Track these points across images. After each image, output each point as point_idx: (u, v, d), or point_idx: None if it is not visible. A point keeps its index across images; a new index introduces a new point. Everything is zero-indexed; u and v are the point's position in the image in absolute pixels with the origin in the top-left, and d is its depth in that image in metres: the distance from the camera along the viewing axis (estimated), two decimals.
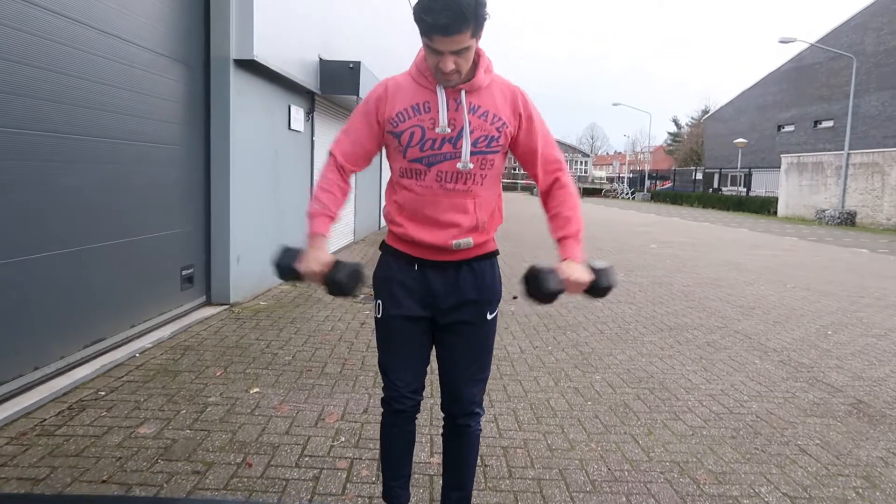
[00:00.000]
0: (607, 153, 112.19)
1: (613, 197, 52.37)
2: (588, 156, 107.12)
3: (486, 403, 3.65)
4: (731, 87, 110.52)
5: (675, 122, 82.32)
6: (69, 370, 3.67)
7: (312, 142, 8.18)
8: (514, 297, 6.94)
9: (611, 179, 68.16)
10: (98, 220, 4.01)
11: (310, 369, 4.10)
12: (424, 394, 2.21)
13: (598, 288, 1.94)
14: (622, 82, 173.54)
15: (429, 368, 2.18)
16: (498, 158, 2.00)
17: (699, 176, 45.72)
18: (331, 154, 2.09)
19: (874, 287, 8.78)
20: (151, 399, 3.45)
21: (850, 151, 23.77)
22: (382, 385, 2.13)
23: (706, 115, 54.27)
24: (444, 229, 1.98)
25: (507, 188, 69.10)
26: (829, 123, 32.90)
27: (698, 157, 56.32)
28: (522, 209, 25.14)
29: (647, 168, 57.94)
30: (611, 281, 1.95)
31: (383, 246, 2.14)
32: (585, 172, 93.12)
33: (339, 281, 1.87)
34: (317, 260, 1.91)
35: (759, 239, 16.41)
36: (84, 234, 3.86)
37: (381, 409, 2.16)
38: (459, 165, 1.92)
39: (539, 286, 1.85)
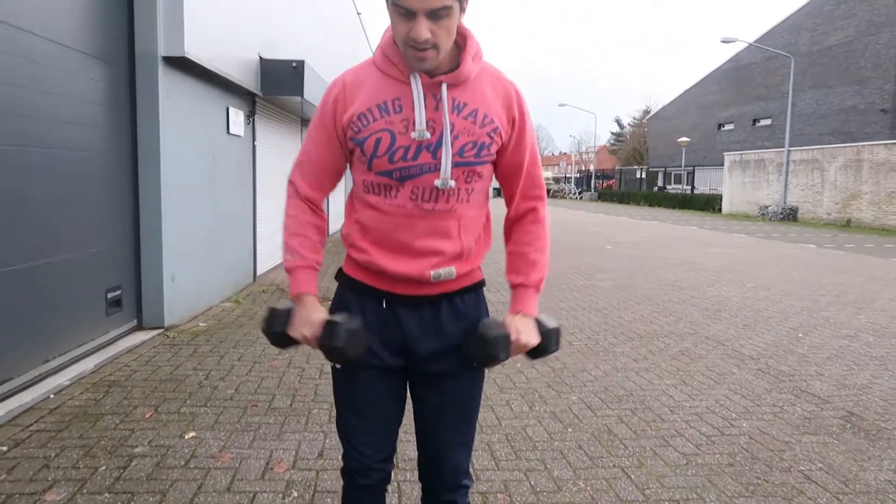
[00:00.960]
0: (553, 154, 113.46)
1: (561, 197, 52.83)
2: None
3: None
4: (671, 87, 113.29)
5: (618, 122, 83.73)
6: None
7: (254, 146, 7.63)
8: None
9: (557, 180, 68.75)
10: (2, 241, 3.44)
11: (255, 404, 3.62)
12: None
13: (540, 351, 1.64)
14: (566, 83, 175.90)
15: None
16: (486, 170, 1.58)
17: (643, 175, 46.44)
18: (290, 183, 1.66)
19: (831, 283, 8.75)
20: (65, 453, 2.92)
21: (791, 148, 24.33)
22: (342, 453, 1.69)
23: (648, 115, 55.28)
24: (420, 258, 1.55)
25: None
26: (767, 122, 33.77)
27: (641, 157, 57.29)
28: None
29: (592, 168, 58.58)
30: (557, 345, 1.66)
31: (340, 276, 1.69)
32: None
33: (336, 348, 1.50)
34: (307, 322, 1.53)
35: (710, 237, 16.50)
36: None
37: (341, 480, 1.72)
38: (438, 182, 1.50)
39: (486, 352, 1.53)
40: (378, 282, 1.61)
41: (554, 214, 26.86)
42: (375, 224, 1.56)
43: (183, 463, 2.87)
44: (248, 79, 6.79)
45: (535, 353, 1.65)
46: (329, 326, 1.51)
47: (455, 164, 1.50)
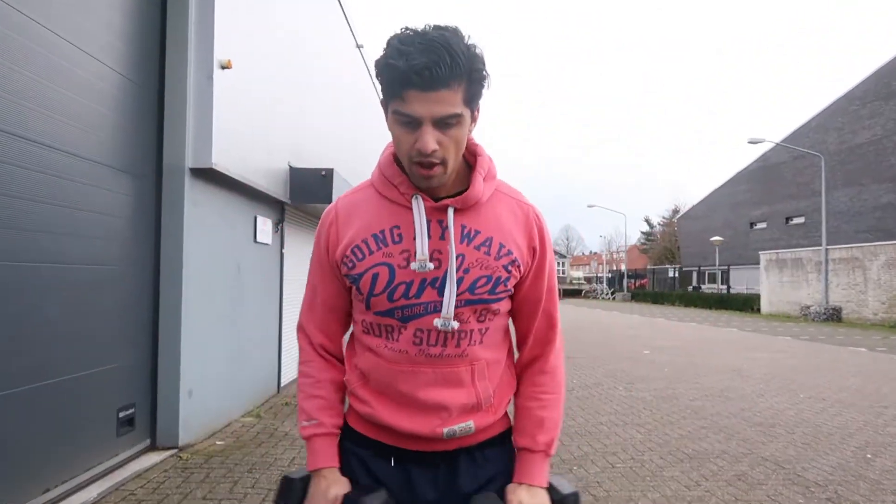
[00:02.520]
0: (583, 253, 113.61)
1: (594, 297, 52.22)
2: (565, 257, 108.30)
3: None
4: (698, 186, 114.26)
5: (648, 221, 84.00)
6: None
7: (282, 254, 7.56)
8: None
9: (589, 280, 68.38)
10: (2, 362, 3.26)
11: None
12: None
13: None
14: (594, 183, 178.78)
15: None
16: (504, 306, 1.35)
17: (676, 274, 45.85)
18: (300, 330, 1.45)
19: (892, 394, 8.12)
20: None
21: (829, 247, 23.81)
22: None
23: (677, 215, 55.29)
24: (428, 413, 1.31)
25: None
26: (801, 220, 33.39)
27: (672, 255, 56.86)
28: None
29: (624, 267, 58.20)
30: None
31: (345, 428, 1.44)
32: (563, 273, 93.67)
33: None
34: (323, 497, 1.31)
35: (752, 340, 15.84)
36: None
37: None
38: (437, 322, 1.26)
39: None
40: (384, 436, 1.36)
41: (588, 315, 26.37)
42: (377, 372, 1.33)
43: None
44: (276, 188, 6.80)
45: None
46: (349, 500, 1.29)
47: (466, 303, 1.27)
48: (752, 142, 24.05)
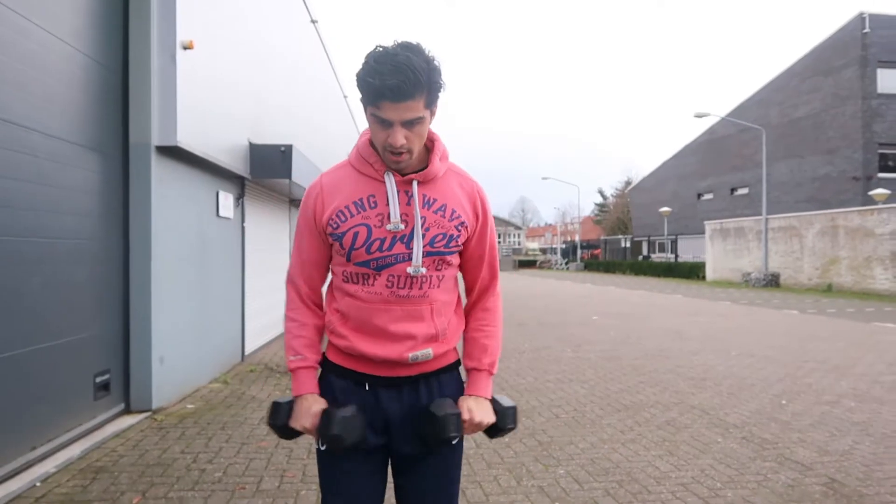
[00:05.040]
0: (538, 225, 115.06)
1: (548, 268, 53.22)
2: (520, 228, 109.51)
3: None
4: (649, 160, 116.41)
5: (601, 193, 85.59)
6: None
7: (243, 227, 7.80)
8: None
9: (544, 251, 69.51)
10: None
11: (243, 486, 3.62)
12: None
13: (498, 429, 1.79)
14: (548, 156, 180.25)
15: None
16: (455, 259, 1.75)
17: (627, 244, 47.14)
18: (290, 283, 1.81)
19: (813, 349, 8.87)
20: None
21: (769, 216, 24.93)
22: None
23: (630, 186, 56.56)
24: (397, 342, 1.68)
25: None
26: (745, 191, 34.68)
27: (625, 226, 58.27)
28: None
29: (577, 238, 59.40)
30: (514, 423, 1.80)
31: (324, 362, 1.80)
32: (519, 245, 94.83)
33: (333, 436, 1.61)
34: (306, 414, 1.67)
35: (695, 305, 16.69)
36: None
37: None
38: (410, 270, 1.65)
39: (435, 433, 1.65)
40: (359, 365, 1.72)
41: (541, 285, 27.07)
42: (355, 311, 1.69)
43: None
44: (237, 163, 7.02)
45: (494, 431, 1.79)
46: (326, 415, 1.63)
47: (427, 254, 1.66)
48: (698, 115, 24.90)
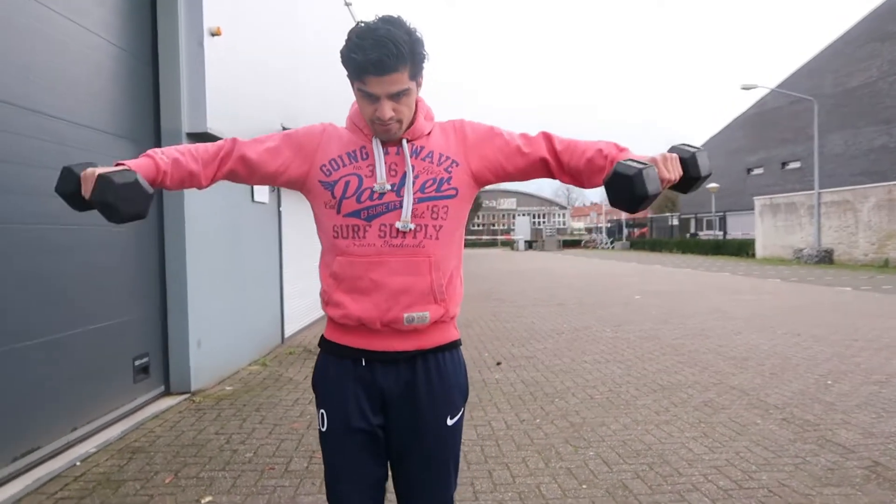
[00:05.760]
0: (584, 204, 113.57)
1: (593, 248, 52.59)
2: (565, 208, 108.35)
3: (469, 496, 3.28)
4: (697, 133, 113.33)
5: None
6: None
7: (279, 212, 7.89)
8: (498, 364, 6.58)
9: (589, 230, 68.67)
10: (28, 315, 3.63)
11: (272, 467, 3.68)
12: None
13: (693, 178, 1.55)
14: (592, 132, 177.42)
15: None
16: (454, 205, 1.68)
17: (675, 222, 46.16)
18: (233, 140, 1.72)
19: (865, 327, 8.54)
20: None
21: (821, 191, 24.05)
22: None
23: None
24: (393, 298, 1.63)
25: (486, 244, 69.20)
26: (797, 164, 33.53)
27: (673, 204, 57.04)
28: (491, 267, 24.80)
29: (623, 217, 58.43)
30: (707, 168, 1.55)
31: (322, 342, 1.79)
32: (564, 224, 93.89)
33: (106, 203, 1.43)
34: (89, 176, 1.49)
35: (742, 283, 16.26)
36: (9, 333, 3.46)
37: None
38: (398, 224, 1.62)
39: (636, 189, 1.41)
40: (355, 340, 1.70)
41: (585, 264, 26.77)
42: (349, 269, 1.65)
43: None
44: None
45: (689, 183, 1.57)
46: (101, 180, 1.44)
47: (419, 200, 1.63)
48: (746, 87, 24.06)
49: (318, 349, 1.81)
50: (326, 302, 1.73)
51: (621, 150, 1.64)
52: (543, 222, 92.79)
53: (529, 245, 54.09)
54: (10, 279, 3.51)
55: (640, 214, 73.77)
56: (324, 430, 1.73)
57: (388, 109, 1.55)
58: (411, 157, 1.65)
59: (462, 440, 4.01)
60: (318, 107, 9.51)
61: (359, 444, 1.70)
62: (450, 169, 1.67)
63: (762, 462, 3.72)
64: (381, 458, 1.75)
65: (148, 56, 5.09)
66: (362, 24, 1.52)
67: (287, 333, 8.17)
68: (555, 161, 1.71)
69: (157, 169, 1.60)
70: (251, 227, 6.81)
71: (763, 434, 4.22)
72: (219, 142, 1.73)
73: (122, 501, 3.23)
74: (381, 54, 1.46)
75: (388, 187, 1.62)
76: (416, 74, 1.56)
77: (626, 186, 1.44)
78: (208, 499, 3.24)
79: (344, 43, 1.52)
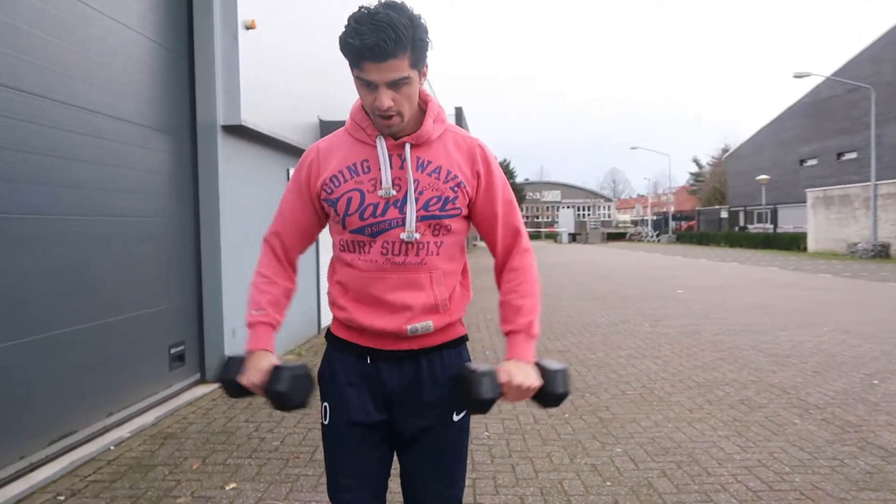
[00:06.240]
0: (630, 196, 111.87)
1: (638, 240, 51.76)
2: (611, 200, 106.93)
3: (490, 490, 3.26)
4: (750, 123, 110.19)
5: (696, 161, 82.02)
6: (30, 472, 3.34)
7: None
8: None
9: (635, 223, 67.57)
10: (67, 303, 3.75)
11: (297, 456, 3.72)
12: None
13: (548, 395, 1.59)
14: (640, 124, 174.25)
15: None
16: (456, 223, 1.65)
17: (725, 215, 45.03)
18: (265, 242, 1.76)
19: None
20: (114, 503, 3.10)
21: (878, 182, 23.11)
22: None
23: (726, 154, 53.86)
24: (395, 312, 1.62)
25: (530, 237, 68.79)
26: (853, 155, 32.28)
27: (722, 196, 55.67)
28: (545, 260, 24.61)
29: (670, 209, 57.29)
30: (565, 387, 1.60)
31: (328, 336, 1.79)
32: (609, 217, 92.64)
33: (278, 392, 1.53)
34: (255, 369, 1.58)
35: (791, 278, 15.77)
36: (48, 321, 3.58)
37: None
38: (403, 236, 1.58)
39: (469, 392, 1.51)
40: (361, 339, 1.69)
41: (628, 258, 26.36)
42: (353, 281, 1.65)
43: None
44: (307, 140, 7.14)
45: (545, 399, 1.61)
46: (275, 372, 1.55)
47: (421, 218, 1.59)
48: (798, 76, 23.23)
49: (326, 342, 1.80)
50: (333, 304, 1.73)
51: (531, 336, 1.66)
52: (588, 214, 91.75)
53: (573, 238, 53.56)
54: (51, 269, 3.62)
55: (687, 206, 72.15)
56: (326, 422, 1.73)
57: (386, 98, 1.49)
58: (417, 170, 1.60)
59: (488, 434, 3.99)
60: (354, 100, 9.55)
61: (360, 439, 1.69)
62: (456, 189, 1.62)
63: (797, 463, 3.59)
64: (383, 454, 1.73)
65: (184, 50, 5.18)
66: (363, 10, 1.47)
67: (323, 324, 8.26)
68: (497, 266, 1.76)
69: (275, 329, 1.70)
70: None
71: (800, 434, 4.08)
72: (263, 250, 1.77)
73: (150, 486, 3.31)
74: (378, 39, 1.41)
75: (394, 192, 1.58)
76: (417, 63, 1.50)
77: (465, 387, 1.52)
78: (233, 485, 3.30)
79: (343, 29, 1.48)
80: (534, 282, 1.72)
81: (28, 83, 3.47)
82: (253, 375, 1.58)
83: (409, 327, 1.63)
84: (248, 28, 5.39)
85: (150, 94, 4.73)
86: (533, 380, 1.57)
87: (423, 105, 1.64)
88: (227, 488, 3.27)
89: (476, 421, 4.39)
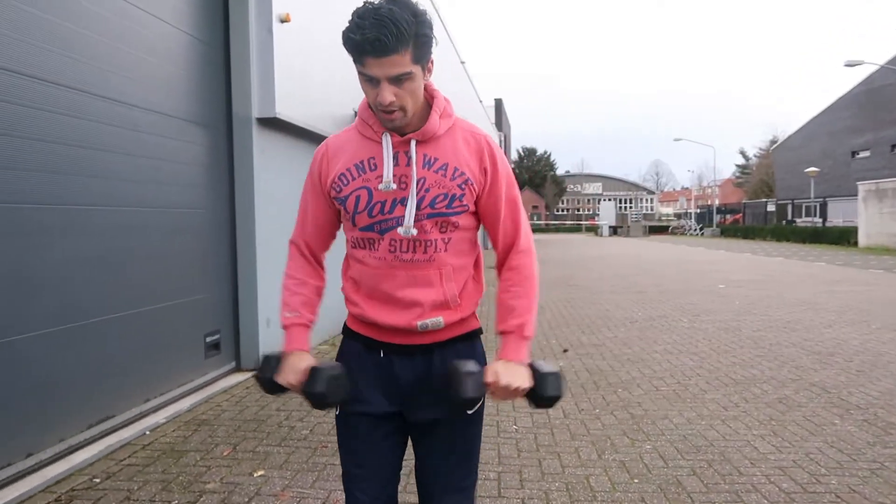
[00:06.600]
0: (673, 189, 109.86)
1: (681, 234, 50.80)
2: (653, 193, 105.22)
3: (515, 484, 3.25)
4: (799, 114, 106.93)
5: (743, 153, 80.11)
6: (68, 454, 3.46)
7: None
8: (565, 351, 6.48)
9: (678, 216, 66.34)
10: (107, 292, 3.85)
11: (325, 445, 3.77)
12: None
13: (539, 397, 1.60)
14: (684, 116, 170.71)
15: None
16: (464, 219, 1.63)
17: (772, 208, 43.88)
18: (292, 243, 1.80)
19: None
20: (146, 487, 3.18)
21: None
22: (345, 499, 1.76)
23: (774, 145, 52.41)
24: (405, 309, 1.63)
25: (570, 229, 68.16)
26: None
27: (769, 189, 54.25)
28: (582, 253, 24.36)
29: (715, 202, 56.05)
30: (557, 390, 1.59)
31: (344, 329, 1.80)
32: (651, 210, 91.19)
33: (316, 393, 1.57)
34: (293, 369, 1.62)
35: (839, 273, 15.27)
36: (89, 309, 3.69)
37: None
38: (401, 231, 1.58)
39: (454, 390, 1.52)
40: (374, 333, 1.70)
41: (670, 251, 25.89)
42: (364, 278, 1.66)
43: (246, 500, 3.04)
44: None
45: (536, 399, 1.62)
46: (312, 373, 1.59)
47: (429, 216, 1.58)
48: (850, 64, 22.45)
49: (343, 336, 1.82)
50: (346, 299, 1.75)
51: (523, 338, 1.66)
52: (630, 207, 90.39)
53: (614, 231, 52.83)
54: (92, 259, 3.73)
55: (733, 199, 70.49)
56: (338, 413, 1.75)
57: (388, 94, 1.48)
58: (423, 167, 1.59)
59: (516, 427, 3.98)
60: None
61: (372, 429, 1.70)
62: (463, 186, 1.60)
63: (834, 465, 3.48)
64: (396, 445, 1.74)
65: (219, 43, 5.26)
66: (367, 5, 1.46)
67: None
68: (497, 265, 1.75)
69: (309, 328, 1.74)
70: None
71: (839, 435, 3.95)
72: (290, 253, 1.80)
73: (181, 471, 3.39)
74: (379, 34, 1.40)
75: (393, 186, 1.58)
76: (420, 58, 1.49)
77: (451, 381, 1.53)
78: (261, 472, 3.35)
79: (347, 24, 1.48)
80: (530, 283, 1.70)
81: (69, 78, 3.57)
82: (290, 376, 1.62)
83: (419, 323, 1.63)
84: (282, 21, 5.44)
85: (185, 87, 4.82)
86: (521, 381, 1.57)
87: (430, 99, 1.63)
88: (255, 475, 3.33)
89: (505, 414, 4.38)
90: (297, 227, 1.78)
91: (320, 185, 1.69)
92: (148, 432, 3.97)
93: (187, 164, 4.80)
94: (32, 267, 3.29)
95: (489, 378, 1.55)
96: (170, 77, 4.62)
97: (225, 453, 3.64)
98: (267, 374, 1.66)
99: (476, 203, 1.66)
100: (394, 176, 1.58)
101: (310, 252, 1.78)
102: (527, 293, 1.69)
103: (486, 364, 1.78)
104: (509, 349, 1.64)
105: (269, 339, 5.63)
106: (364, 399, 1.69)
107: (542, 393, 1.59)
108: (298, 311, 1.72)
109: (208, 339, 5.05)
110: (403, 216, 1.58)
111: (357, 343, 1.74)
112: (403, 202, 1.58)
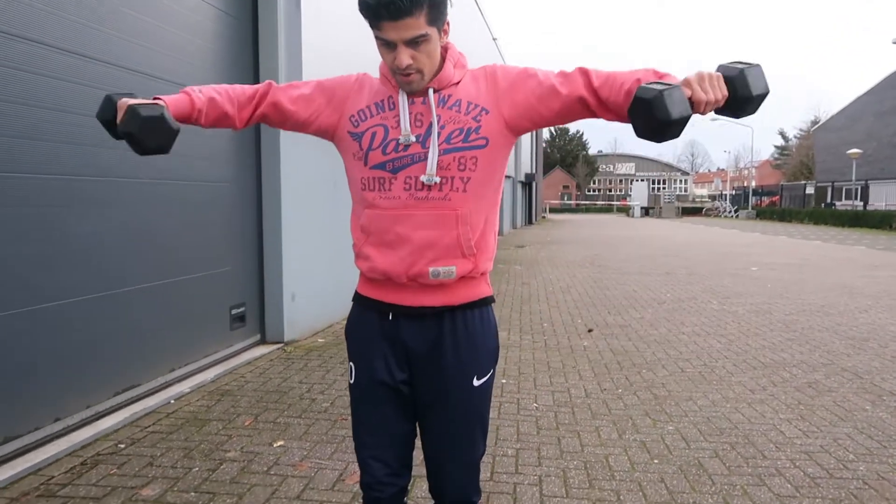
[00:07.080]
0: (709, 170, 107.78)
1: (715, 216, 49.94)
2: (688, 174, 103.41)
3: (533, 461, 3.24)
4: (842, 94, 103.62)
5: (783, 134, 78.19)
6: (95, 420, 3.54)
7: None
8: (590, 331, 6.42)
9: (713, 197, 65.17)
10: (136, 262, 3.91)
11: (345, 418, 3.79)
12: None
13: (740, 99, 1.35)
14: None
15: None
16: (483, 155, 1.59)
17: (810, 190, 42.79)
18: (267, 82, 1.73)
19: None
20: (168, 454, 3.24)
21: None
22: (358, 467, 1.77)
23: (816, 126, 50.97)
24: (418, 252, 1.59)
25: (601, 210, 67.48)
26: None
27: (809, 171, 52.90)
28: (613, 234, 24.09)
29: (751, 184, 54.86)
30: (763, 82, 1.35)
31: (355, 297, 1.78)
32: (685, 191, 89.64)
33: (126, 133, 1.46)
34: (120, 106, 1.51)
35: (879, 258, 14.85)
36: (117, 278, 3.75)
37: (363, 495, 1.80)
38: (423, 178, 1.56)
39: (658, 113, 1.29)
40: (383, 294, 1.67)
41: (702, 234, 25.47)
42: (376, 222, 1.62)
43: (265, 469, 3.07)
44: None
45: (738, 104, 1.38)
46: (129, 111, 1.46)
47: (445, 152, 1.56)
48: None
49: (353, 302, 1.80)
50: (357, 255, 1.72)
51: (661, 76, 1.46)
52: (663, 188, 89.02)
53: (646, 212, 52.15)
54: (121, 229, 3.78)
55: (770, 181, 68.89)
56: (352, 382, 1.75)
57: (405, 57, 1.48)
58: (438, 106, 1.57)
59: (536, 405, 3.96)
60: None
61: (383, 398, 1.69)
62: (479, 118, 1.58)
63: (863, 451, 3.39)
64: (407, 414, 1.73)
65: (247, 17, 5.25)
66: None
67: None
68: (593, 98, 1.55)
69: (192, 106, 1.61)
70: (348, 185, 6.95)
71: (870, 421, 3.85)
72: (256, 85, 1.73)
73: (203, 439, 3.45)
74: None
75: (413, 139, 1.56)
76: (435, 20, 1.48)
77: (645, 111, 1.30)
78: (280, 443, 3.39)
79: None
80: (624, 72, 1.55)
81: (99, 51, 3.59)
82: (118, 116, 1.53)
83: (431, 269, 1.60)
84: None
85: (213, 60, 4.82)
86: (717, 78, 1.39)
87: (443, 52, 1.61)
88: (274, 445, 3.37)
89: (526, 392, 4.36)
90: (280, 87, 1.72)
91: (337, 96, 1.68)
92: (172, 401, 4.04)
93: (215, 138, 4.82)
94: (51, 238, 3.33)
95: (686, 92, 1.37)
96: (198, 50, 4.63)
97: (246, 423, 3.69)
98: (104, 115, 1.58)
99: (526, 116, 1.60)
100: (410, 115, 1.58)
101: (265, 99, 1.69)
102: (627, 71, 1.54)
103: (497, 335, 1.76)
104: (669, 78, 1.45)
105: (294, 312, 5.68)
106: (374, 366, 1.68)
107: (748, 91, 1.36)
108: (203, 92, 1.64)
109: (234, 312, 5.11)
110: (419, 153, 1.57)
111: (366, 308, 1.72)
112: (418, 139, 1.57)
